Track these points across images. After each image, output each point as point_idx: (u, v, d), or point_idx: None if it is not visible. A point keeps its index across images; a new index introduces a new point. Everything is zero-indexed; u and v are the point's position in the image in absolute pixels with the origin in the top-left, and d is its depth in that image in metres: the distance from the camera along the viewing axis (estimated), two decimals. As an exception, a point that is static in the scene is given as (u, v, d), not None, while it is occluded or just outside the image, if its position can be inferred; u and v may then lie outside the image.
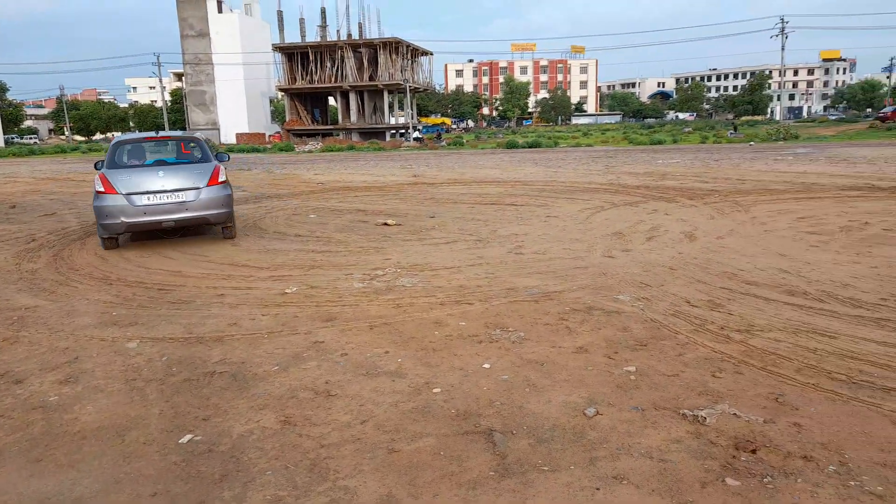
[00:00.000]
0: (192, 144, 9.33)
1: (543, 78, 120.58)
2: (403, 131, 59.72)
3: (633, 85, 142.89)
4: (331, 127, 62.46)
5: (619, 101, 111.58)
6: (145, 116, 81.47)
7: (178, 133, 10.61)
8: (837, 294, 5.41)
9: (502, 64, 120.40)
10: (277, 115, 77.33)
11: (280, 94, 70.19)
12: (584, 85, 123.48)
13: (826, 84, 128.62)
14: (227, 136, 62.15)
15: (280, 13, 64.21)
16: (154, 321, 5.27)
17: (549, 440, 3.13)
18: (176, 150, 9.47)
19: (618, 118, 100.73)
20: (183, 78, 70.35)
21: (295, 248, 8.35)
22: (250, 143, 50.99)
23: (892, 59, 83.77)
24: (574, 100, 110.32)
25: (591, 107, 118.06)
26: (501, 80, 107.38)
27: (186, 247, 8.62)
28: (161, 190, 8.30)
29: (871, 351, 4.13)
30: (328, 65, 60.86)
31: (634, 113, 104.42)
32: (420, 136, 53.26)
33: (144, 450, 3.18)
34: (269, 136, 61.84)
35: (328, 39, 62.40)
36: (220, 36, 63.46)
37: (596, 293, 5.70)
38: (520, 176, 18.40)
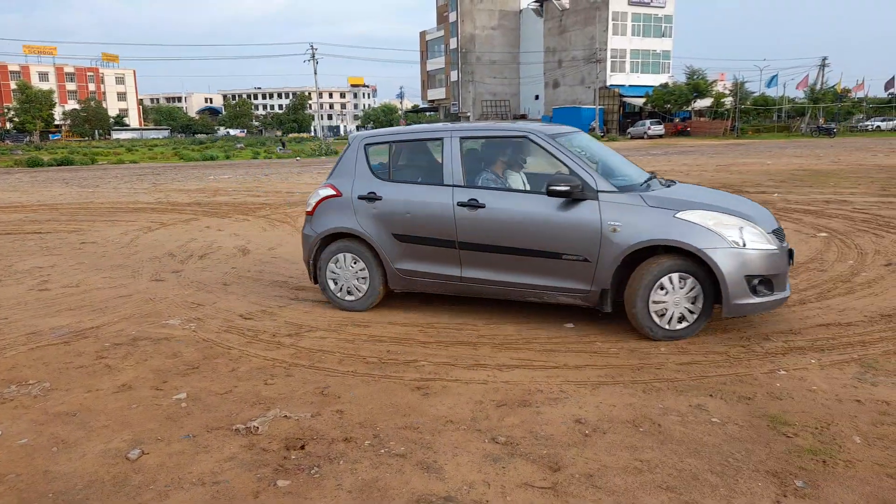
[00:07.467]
0: None
1: (71, 87, 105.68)
2: None
3: (180, 99, 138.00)
4: None
5: (165, 115, 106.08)
6: None
7: None
8: (369, 287, 6.18)
9: (13, 68, 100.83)
10: None
11: None
12: (122, 97, 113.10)
13: (356, 106, 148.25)
14: None
15: None
16: None
17: (84, 500, 2.69)
18: None
19: (166, 133, 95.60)
20: None
21: None
22: None
23: (401, 87, 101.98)
24: (112, 112, 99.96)
25: (133, 120, 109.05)
26: (14, 86, 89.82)
27: None
28: None
29: (396, 332, 4.84)
30: None
31: (184, 128, 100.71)
32: None
33: None
34: None
35: None
36: None
37: (142, 322, 5.22)
38: (46, 198, 15.71)
